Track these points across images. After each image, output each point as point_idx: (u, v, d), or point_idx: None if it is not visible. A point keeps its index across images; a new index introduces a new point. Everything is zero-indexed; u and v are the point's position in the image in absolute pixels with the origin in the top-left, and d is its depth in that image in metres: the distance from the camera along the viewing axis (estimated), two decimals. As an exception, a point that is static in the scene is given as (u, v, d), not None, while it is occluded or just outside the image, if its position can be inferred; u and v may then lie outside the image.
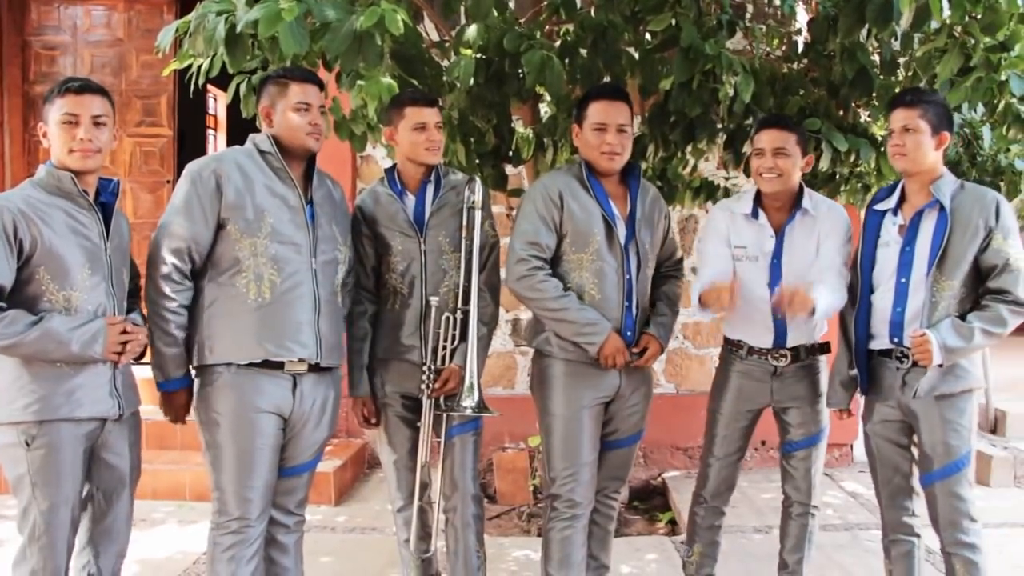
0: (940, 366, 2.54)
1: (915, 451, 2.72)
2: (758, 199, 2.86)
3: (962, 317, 2.56)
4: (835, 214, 2.86)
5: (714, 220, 2.96)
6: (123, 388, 2.40)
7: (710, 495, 3.00)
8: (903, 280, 2.63)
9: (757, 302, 2.82)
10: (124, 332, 2.32)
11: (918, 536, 2.77)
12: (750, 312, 2.84)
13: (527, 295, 2.70)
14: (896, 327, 2.63)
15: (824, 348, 2.91)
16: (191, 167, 2.46)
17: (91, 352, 2.27)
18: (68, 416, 2.27)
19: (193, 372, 2.53)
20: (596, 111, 2.71)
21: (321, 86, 2.55)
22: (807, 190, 2.85)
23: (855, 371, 2.76)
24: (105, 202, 2.42)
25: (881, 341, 2.68)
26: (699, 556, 3.05)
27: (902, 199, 2.70)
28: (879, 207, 2.74)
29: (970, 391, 2.62)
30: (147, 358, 2.47)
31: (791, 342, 2.83)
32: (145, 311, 2.54)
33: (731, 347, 2.94)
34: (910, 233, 2.64)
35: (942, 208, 2.57)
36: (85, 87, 2.32)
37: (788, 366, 2.84)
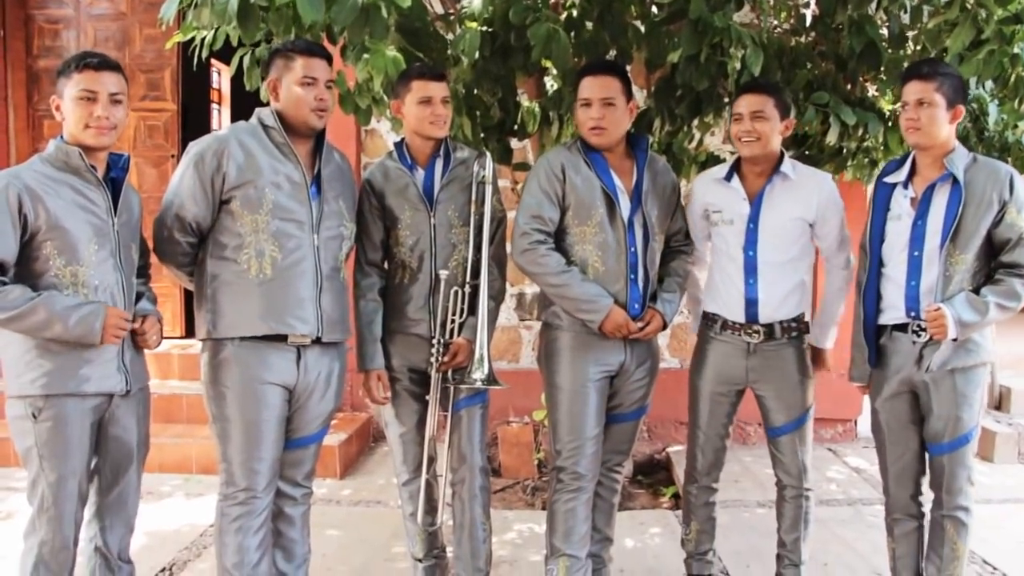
0: (954, 340, 2.53)
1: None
2: (737, 166, 2.85)
3: (976, 291, 2.54)
4: (820, 182, 2.81)
5: (692, 192, 2.98)
6: (131, 364, 2.41)
7: (700, 474, 2.99)
8: (915, 253, 2.59)
9: (731, 269, 2.81)
10: (124, 319, 2.33)
11: (924, 516, 2.76)
12: (725, 281, 2.84)
13: (530, 269, 2.71)
14: (912, 300, 2.60)
15: (803, 327, 2.85)
16: (193, 148, 2.45)
17: (89, 332, 2.25)
18: (75, 391, 2.29)
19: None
20: (582, 87, 2.72)
21: (329, 60, 2.51)
22: (789, 159, 2.82)
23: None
24: (115, 178, 2.42)
25: (895, 315, 2.65)
26: (696, 534, 3.06)
27: (913, 172, 2.67)
28: (889, 180, 2.70)
29: (984, 364, 2.61)
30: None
31: (764, 318, 2.79)
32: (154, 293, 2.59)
33: (707, 321, 2.93)
34: (922, 206, 2.60)
35: (955, 182, 2.54)
36: (104, 64, 2.31)
37: (762, 343, 2.80)
